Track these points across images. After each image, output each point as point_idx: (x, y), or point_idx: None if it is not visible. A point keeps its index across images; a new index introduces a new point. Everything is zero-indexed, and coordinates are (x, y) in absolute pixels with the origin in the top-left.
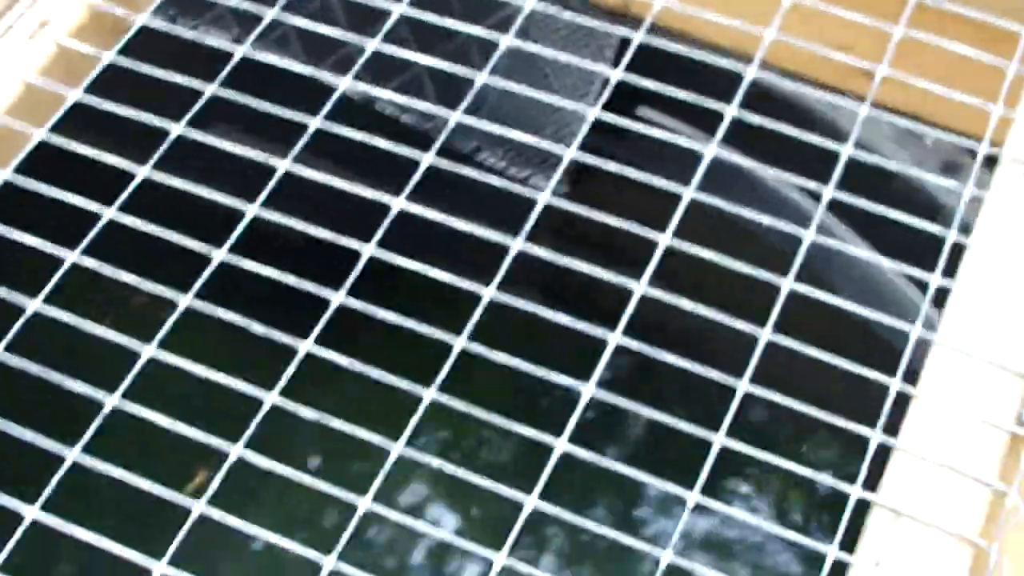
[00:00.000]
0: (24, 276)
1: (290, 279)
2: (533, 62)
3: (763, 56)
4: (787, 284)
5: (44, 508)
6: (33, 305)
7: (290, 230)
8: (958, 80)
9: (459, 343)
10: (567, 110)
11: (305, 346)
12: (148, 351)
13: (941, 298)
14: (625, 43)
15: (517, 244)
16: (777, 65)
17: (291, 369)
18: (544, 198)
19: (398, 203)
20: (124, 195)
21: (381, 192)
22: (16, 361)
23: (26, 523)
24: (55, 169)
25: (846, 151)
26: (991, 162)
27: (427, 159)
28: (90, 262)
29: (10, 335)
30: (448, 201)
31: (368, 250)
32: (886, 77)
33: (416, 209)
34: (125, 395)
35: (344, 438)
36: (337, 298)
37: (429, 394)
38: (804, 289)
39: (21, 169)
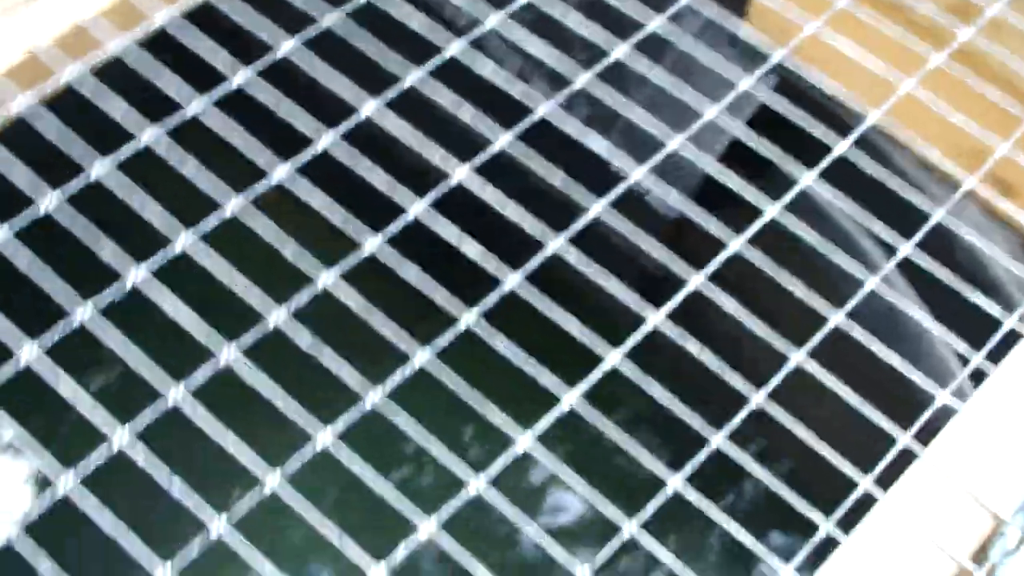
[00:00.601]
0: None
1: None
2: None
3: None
4: (797, 358)
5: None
6: (98, 169)
7: None
8: None
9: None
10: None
11: (326, 276)
12: (184, 239)
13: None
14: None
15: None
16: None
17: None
18: (595, 209)
19: (460, 171)
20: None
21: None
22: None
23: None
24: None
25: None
26: None
27: (500, 141)
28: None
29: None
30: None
31: (414, 210)
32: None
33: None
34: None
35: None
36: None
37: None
38: (813, 366)
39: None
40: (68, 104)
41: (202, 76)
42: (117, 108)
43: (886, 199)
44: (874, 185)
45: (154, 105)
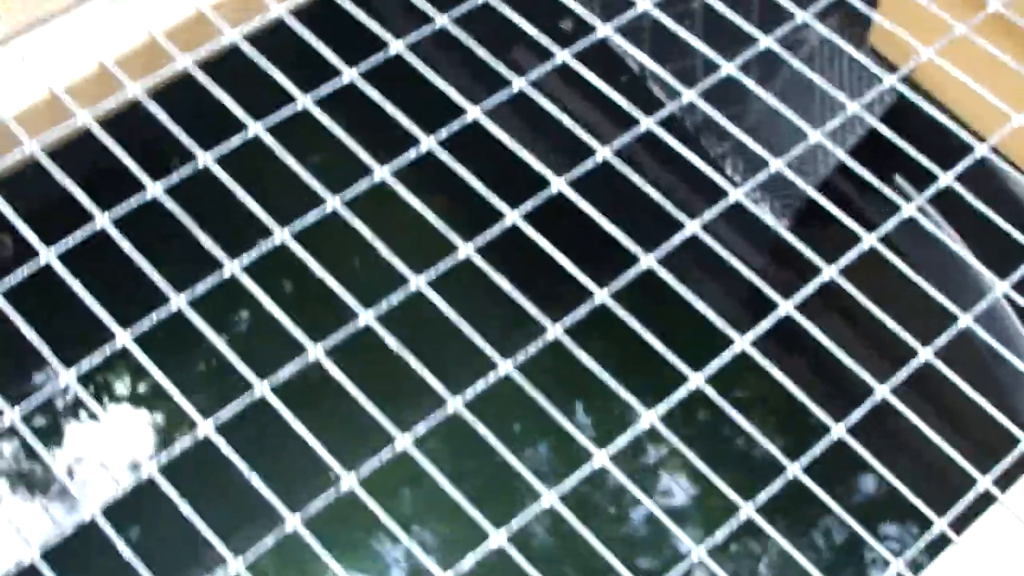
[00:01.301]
0: None
1: None
2: (809, 92)
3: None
4: (882, 391)
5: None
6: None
7: None
8: None
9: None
10: (818, 147)
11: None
12: (280, 235)
13: None
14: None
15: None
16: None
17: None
18: (691, 227)
19: (557, 183)
20: None
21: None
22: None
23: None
24: None
25: None
26: None
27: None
28: None
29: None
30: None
31: (511, 217)
32: None
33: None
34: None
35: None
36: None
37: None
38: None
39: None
40: (178, 94)
41: (312, 72)
42: (225, 100)
43: (993, 229)
44: (981, 215)
45: (262, 99)
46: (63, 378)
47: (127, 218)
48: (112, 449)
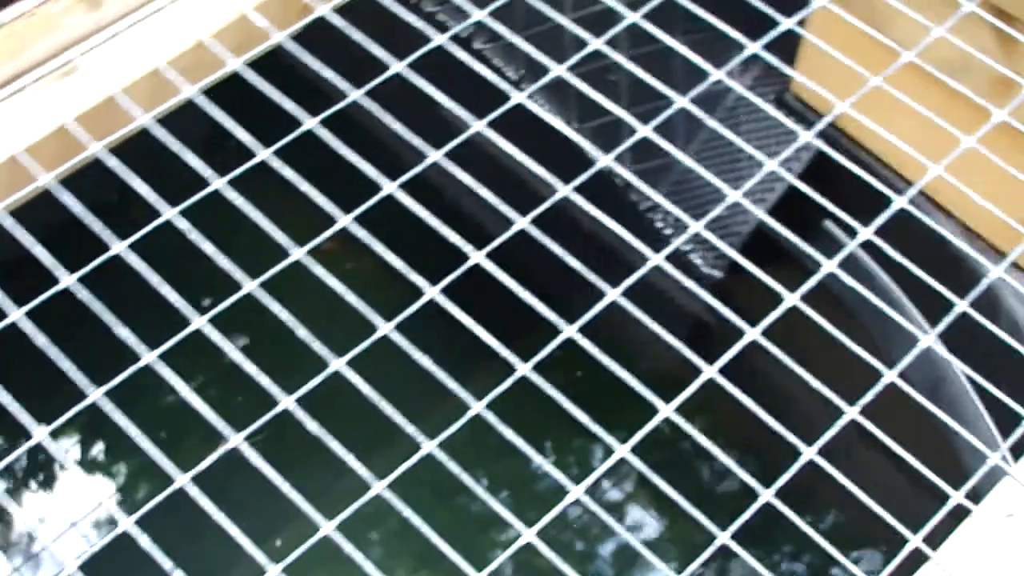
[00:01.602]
0: None
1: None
2: (730, 144)
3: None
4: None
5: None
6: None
7: None
8: None
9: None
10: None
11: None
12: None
13: None
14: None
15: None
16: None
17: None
18: (611, 294)
19: (476, 256)
20: None
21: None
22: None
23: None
24: None
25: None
26: None
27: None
28: None
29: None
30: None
31: (431, 293)
32: None
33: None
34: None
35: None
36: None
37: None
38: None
39: None
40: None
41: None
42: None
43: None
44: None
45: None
46: None
47: (92, 275)
48: (47, 536)
